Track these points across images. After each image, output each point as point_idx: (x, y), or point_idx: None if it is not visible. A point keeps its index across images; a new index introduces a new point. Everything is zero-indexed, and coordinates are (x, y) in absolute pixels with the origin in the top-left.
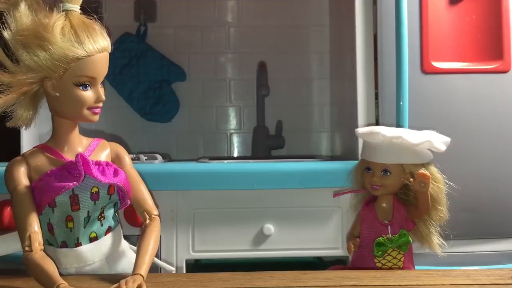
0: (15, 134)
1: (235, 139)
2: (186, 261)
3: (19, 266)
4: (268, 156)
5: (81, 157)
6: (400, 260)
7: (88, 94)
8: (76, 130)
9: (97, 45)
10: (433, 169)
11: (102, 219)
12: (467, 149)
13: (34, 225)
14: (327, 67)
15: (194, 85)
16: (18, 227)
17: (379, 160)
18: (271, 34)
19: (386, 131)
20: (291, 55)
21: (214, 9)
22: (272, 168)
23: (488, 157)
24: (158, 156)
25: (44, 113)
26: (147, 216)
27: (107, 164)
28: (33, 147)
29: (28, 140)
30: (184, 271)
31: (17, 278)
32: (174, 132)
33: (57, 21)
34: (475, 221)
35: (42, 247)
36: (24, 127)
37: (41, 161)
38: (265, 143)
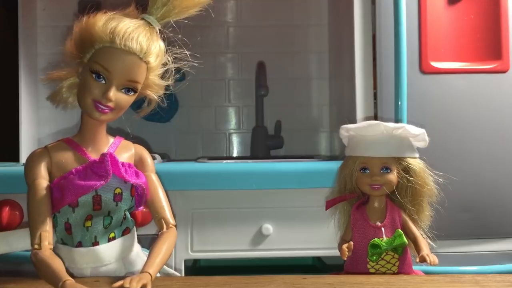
0: (15, 135)
1: (234, 139)
2: (185, 261)
3: (18, 266)
4: (267, 156)
5: (110, 156)
6: (394, 265)
7: (96, 85)
8: (103, 129)
9: (126, 42)
10: (422, 164)
11: (124, 220)
12: (466, 149)
13: (47, 224)
14: (326, 67)
15: (193, 85)
16: (31, 222)
17: (379, 154)
18: (270, 34)
19: (386, 123)
20: (290, 55)
21: (213, 9)
22: (271, 168)
23: (488, 157)
24: (157, 156)
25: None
26: (165, 225)
27: (129, 165)
28: (58, 140)
29: (27, 140)
30: (183, 272)
31: (16, 278)
32: (173, 132)
33: (116, 15)
34: (474, 221)
35: (52, 247)
36: (56, 107)
37: (65, 156)
38: (264, 143)
